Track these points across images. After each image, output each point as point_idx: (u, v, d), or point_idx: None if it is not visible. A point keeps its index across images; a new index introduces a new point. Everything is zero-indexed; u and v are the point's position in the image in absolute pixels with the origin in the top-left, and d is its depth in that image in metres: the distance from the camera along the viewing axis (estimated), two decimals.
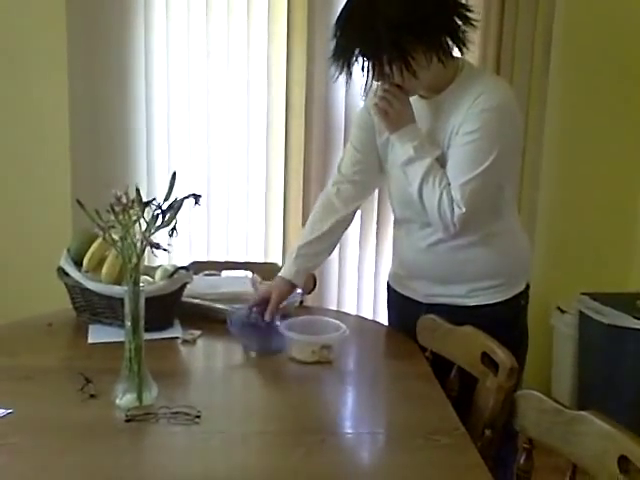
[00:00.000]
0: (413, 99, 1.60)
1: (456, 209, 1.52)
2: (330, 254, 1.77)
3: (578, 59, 2.80)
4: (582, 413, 1.12)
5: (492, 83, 1.59)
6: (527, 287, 1.72)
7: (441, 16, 1.49)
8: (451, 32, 1.51)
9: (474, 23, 1.51)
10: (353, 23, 1.48)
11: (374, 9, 1.43)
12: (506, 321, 1.66)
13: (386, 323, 1.93)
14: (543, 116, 2.74)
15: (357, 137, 1.75)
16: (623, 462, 1.03)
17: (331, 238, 1.73)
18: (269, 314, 1.64)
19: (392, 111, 1.57)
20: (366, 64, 1.49)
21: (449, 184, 1.53)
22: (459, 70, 1.58)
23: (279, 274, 1.71)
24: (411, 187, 1.57)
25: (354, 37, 1.48)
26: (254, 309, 1.67)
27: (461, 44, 1.53)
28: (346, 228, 1.77)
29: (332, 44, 1.50)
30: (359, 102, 2.60)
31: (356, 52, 1.48)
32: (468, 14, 1.51)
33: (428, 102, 1.62)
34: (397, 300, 1.83)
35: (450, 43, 1.51)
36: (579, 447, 1.12)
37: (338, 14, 1.50)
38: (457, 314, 1.61)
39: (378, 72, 1.49)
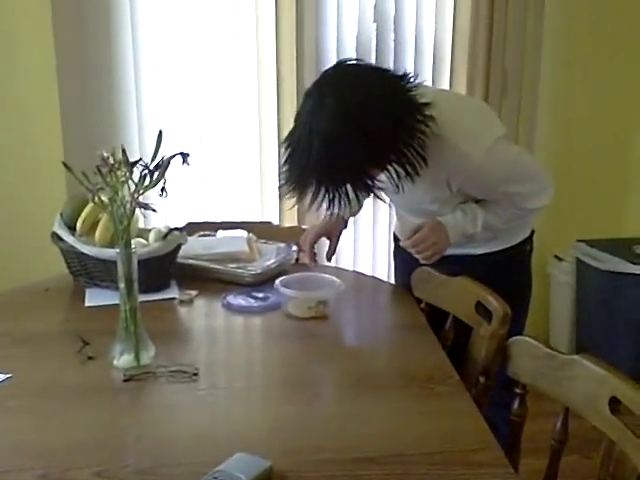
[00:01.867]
0: None
1: (545, 201, 1.57)
2: None
3: None
4: (573, 357, 1.14)
5: (453, 146, 1.42)
6: (532, 233, 1.74)
7: (397, 141, 1.35)
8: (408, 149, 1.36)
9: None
10: (307, 160, 1.33)
11: (325, 147, 1.30)
12: (513, 266, 1.68)
13: (384, 278, 1.94)
14: (539, 63, 2.70)
15: None
16: (614, 403, 1.05)
17: None
18: (332, 252, 1.75)
19: (436, 248, 1.55)
20: (328, 194, 1.36)
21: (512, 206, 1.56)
22: None
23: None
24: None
25: (308, 172, 1.34)
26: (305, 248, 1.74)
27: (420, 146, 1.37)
28: None
29: (284, 173, 1.38)
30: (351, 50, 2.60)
31: (313, 183, 1.35)
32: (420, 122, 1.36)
33: None
34: (404, 250, 1.83)
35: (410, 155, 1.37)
36: (571, 391, 1.14)
37: (286, 145, 1.37)
38: (464, 262, 1.62)
39: (343, 198, 1.37)
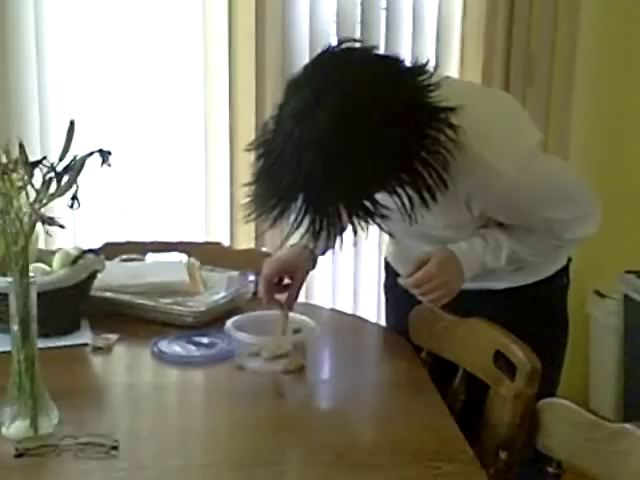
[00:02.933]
0: None
1: (590, 230, 1.61)
2: None
3: None
4: (626, 426, 1.15)
5: (479, 158, 1.43)
6: (568, 262, 1.75)
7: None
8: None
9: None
10: (293, 175, 1.33)
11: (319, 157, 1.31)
12: (543, 305, 1.70)
13: (371, 318, 1.95)
14: (574, 46, 2.76)
15: None
16: None
17: None
18: (293, 299, 1.66)
19: (446, 288, 1.54)
20: (315, 220, 1.37)
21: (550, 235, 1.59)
22: None
23: (293, 243, 1.68)
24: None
25: (293, 189, 1.35)
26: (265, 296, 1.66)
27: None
28: None
29: (255, 189, 1.39)
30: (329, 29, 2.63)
31: (296, 205, 1.36)
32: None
33: None
34: (399, 284, 1.81)
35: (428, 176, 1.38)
36: (622, 470, 1.15)
37: (259, 154, 1.39)
38: (479, 299, 1.63)
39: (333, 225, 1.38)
